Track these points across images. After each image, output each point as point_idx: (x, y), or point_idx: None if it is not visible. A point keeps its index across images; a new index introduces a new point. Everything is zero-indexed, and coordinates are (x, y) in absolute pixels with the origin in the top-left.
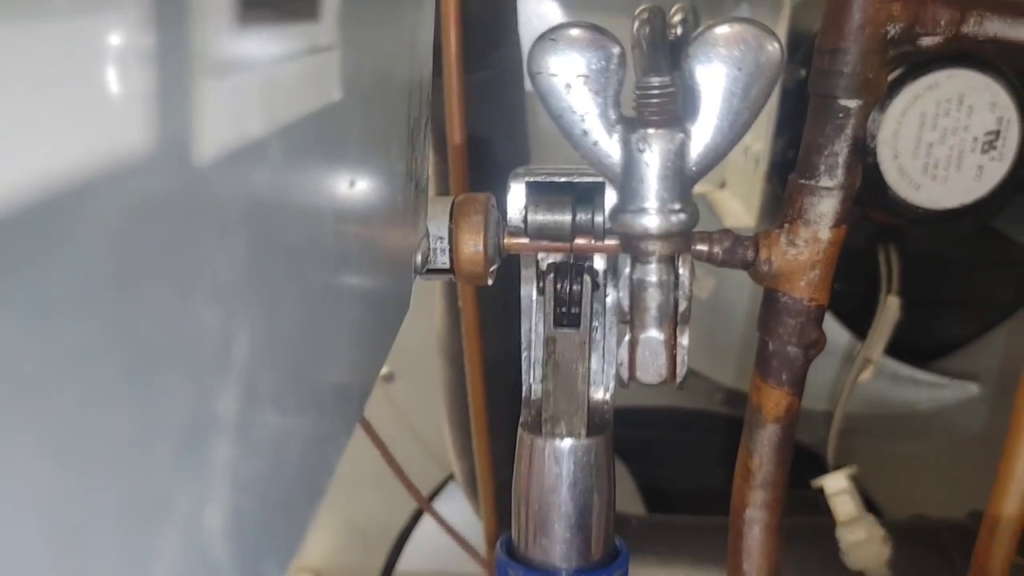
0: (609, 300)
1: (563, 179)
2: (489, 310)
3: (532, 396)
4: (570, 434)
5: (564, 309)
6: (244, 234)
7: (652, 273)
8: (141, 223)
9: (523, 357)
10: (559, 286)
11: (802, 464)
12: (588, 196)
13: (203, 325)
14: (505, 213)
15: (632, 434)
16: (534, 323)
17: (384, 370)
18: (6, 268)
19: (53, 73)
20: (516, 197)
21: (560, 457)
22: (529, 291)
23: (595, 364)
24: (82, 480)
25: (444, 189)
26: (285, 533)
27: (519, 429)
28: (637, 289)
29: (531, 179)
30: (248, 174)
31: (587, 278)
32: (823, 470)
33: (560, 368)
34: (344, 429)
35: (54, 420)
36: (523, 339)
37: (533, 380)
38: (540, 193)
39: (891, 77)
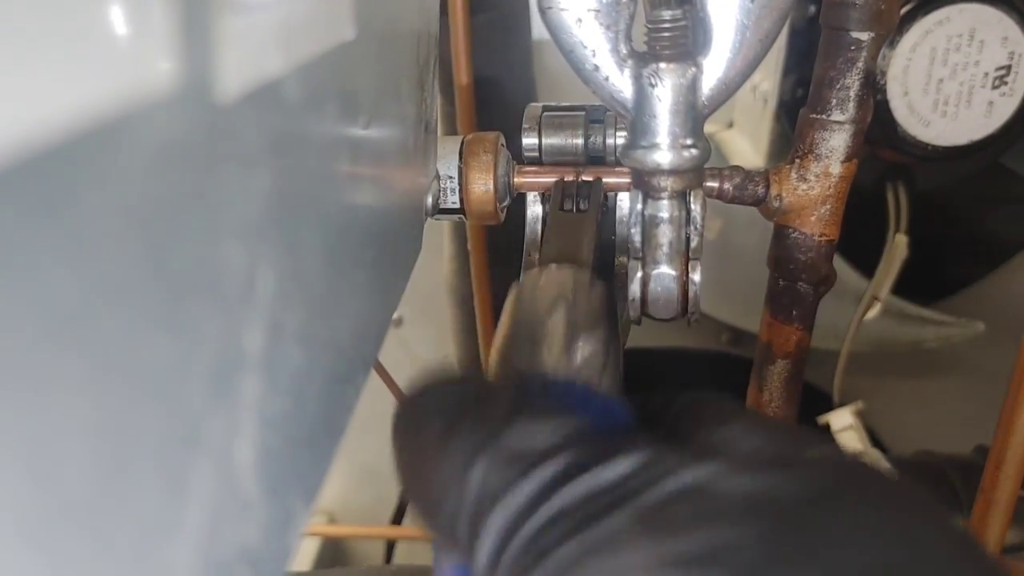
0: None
1: (575, 106)
2: (498, 252)
3: None
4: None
5: (572, 207)
6: (266, 171)
7: (664, 209)
8: (169, 158)
9: (524, 261)
10: (566, 204)
11: (809, 402)
12: (599, 119)
13: (230, 259)
14: (515, 150)
15: (638, 375)
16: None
17: (394, 314)
18: (47, 204)
19: (77, 12)
20: (531, 119)
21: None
22: (535, 211)
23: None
24: (123, 408)
25: (451, 132)
26: (309, 469)
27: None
28: (649, 225)
29: (545, 105)
30: (268, 111)
31: (598, 187)
32: (830, 408)
33: (564, 246)
34: (362, 368)
35: (97, 350)
36: (525, 249)
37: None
38: (554, 115)
39: (902, 12)
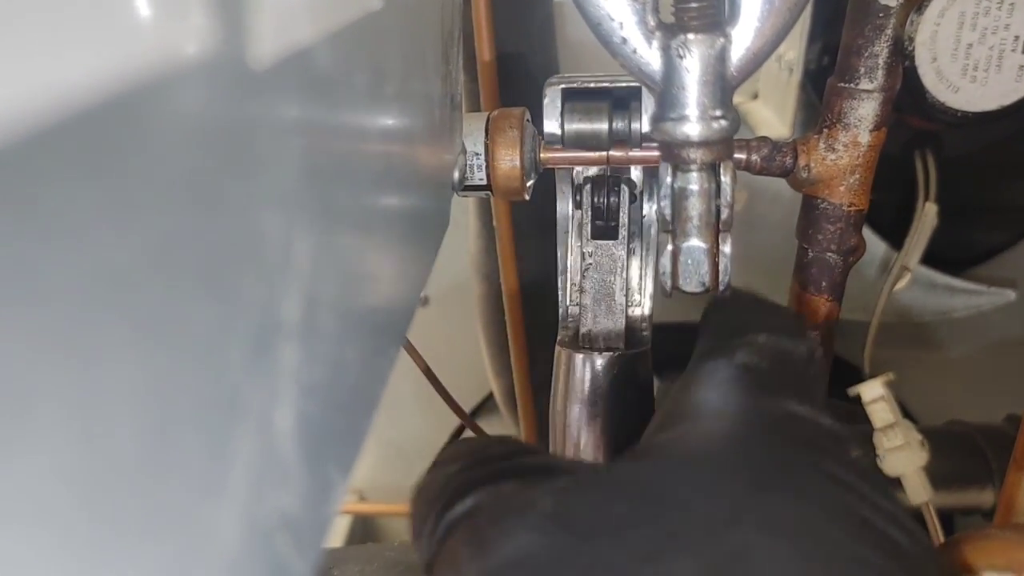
0: (647, 214)
1: (599, 85)
2: (524, 227)
3: (569, 315)
4: (608, 348)
5: (601, 222)
6: (299, 140)
7: (694, 181)
8: (206, 121)
9: (559, 281)
10: (596, 199)
11: (839, 374)
12: (624, 103)
13: (269, 226)
14: (540, 126)
15: (666, 350)
16: (571, 239)
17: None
18: (91, 166)
19: None
20: (552, 105)
21: (598, 371)
22: (565, 208)
23: (634, 280)
24: (168, 371)
25: (474, 109)
26: (345, 439)
27: (556, 347)
28: (679, 198)
29: (566, 86)
30: (300, 80)
31: (624, 189)
32: (860, 380)
33: (597, 281)
34: (394, 341)
35: (142, 313)
36: (559, 263)
37: (570, 302)
38: (576, 100)
39: None
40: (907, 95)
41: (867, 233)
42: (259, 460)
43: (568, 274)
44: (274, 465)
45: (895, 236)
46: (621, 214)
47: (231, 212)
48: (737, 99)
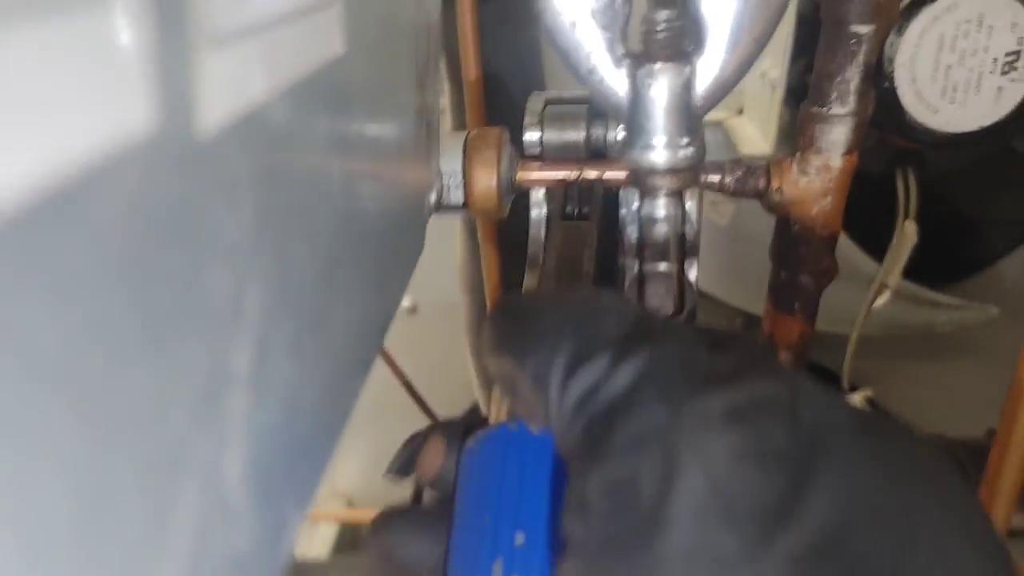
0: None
1: (579, 98)
2: (509, 241)
3: None
4: None
5: (574, 210)
6: (252, 194)
7: (660, 208)
8: (149, 197)
9: (526, 275)
10: (568, 203)
11: (825, 384)
12: (602, 112)
13: (215, 286)
14: (521, 147)
15: None
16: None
17: (407, 302)
18: (28, 251)
19: (53, 57)
20: (532, 112)
21: None
22: (539, 212)
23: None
24: (105, 440)
25: (461, 121)
26: (303, 476)
27: None
28: (646, 223)
29: (548, 98)
30: (254, 136)
31: (598, 190)
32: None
33: (567, 259)
34: (360, 370)
35: (79, 386)
36: (528, 261)
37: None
38: (555, 112)
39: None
40: (888, 115)
41: (851, 247)
42: (204, 510)
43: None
44: (221, 512)
45: (880, 251)
46: (593, 199)
47: (174, 277)
48: (722, 114)
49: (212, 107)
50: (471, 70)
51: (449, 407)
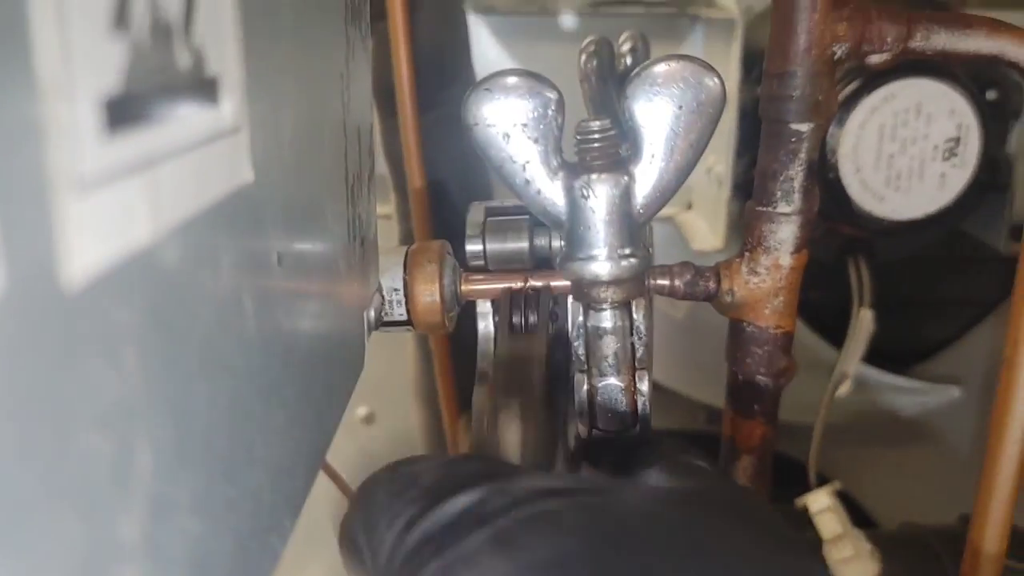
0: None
1: (520, 205)
2: (461, 349)
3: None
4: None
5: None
6: (138, 344)
7: (607, 320)
8: (4, 364)
9: (474, 421)
10: (514, 317)
11: (788, 477)
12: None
13: (92, 452)
14: (465, 257)
15: (614, 460)
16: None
17: (363, 411)
18: None
19: None
20: (474, 223)
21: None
22: (487, 327)
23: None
24: None
25: (408, 229)
26: None
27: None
28: (592, 336)
29: (488, 206)
30: (137, 281)
31: (545, 300)
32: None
33: (513, 372)
34: (289, 511)
35: None
36: (476, 391)
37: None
38: (498, 219)
39: (847, 91)
40: (835, 205)
41: (810, 336)
42: None
43: (482, 417)
44: None
45: (838, 337)
46: (540, 314)
47: (42, 448)
48: (671, 210)
49: (81, 256)
50: (416, 179)
51: None
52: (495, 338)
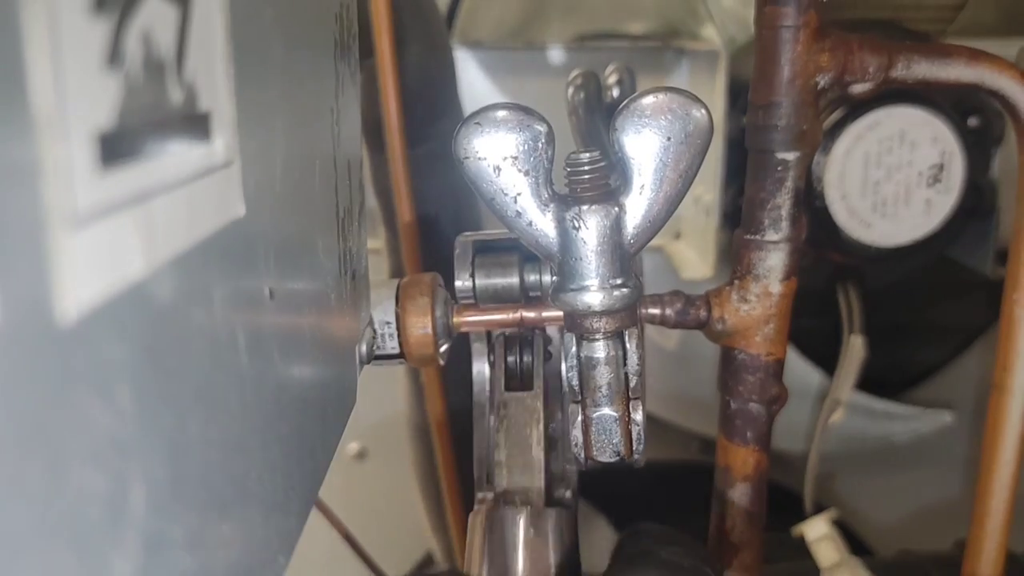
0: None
1: (509, 238)
2: (454, 382)
3: (486, 483)
4: (526, 503)
5: (517, 379)
6: (131, 379)
7: (599, 350)
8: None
9: (476, 454)
10: (509, 356)
11: (782, 506)
12: (535, 255)
13: (85, 489)
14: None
15: (611, 489)
16: (487, 402)
17: (355, 448)
18: None
19: None
20: (463, 259)
21: (515, 528)
22: (481, 367)
23: (556, 435)
24: None
25: (398, 264)
26: None
27: (470, 515)
28: (585, 367)
29: (477, 239)
30: (130, 315)
31: (539, 342)
32: (803, 507)
33: (514, 435)
34: (282, 549)
35: None
36: (476, 435)
37: (489, 474)
38: (487, 255)
39: (831, 119)
40: (823, 232)
41: (801, 364)
42: None
43: (483, 446)
44: None
45: (830, 364)
46: (536, 368)
47: (33, 487)
48: (660, 241)
49: (74, 291)
50: (405, 213)
51: (402, 553)
52: (491, 380)
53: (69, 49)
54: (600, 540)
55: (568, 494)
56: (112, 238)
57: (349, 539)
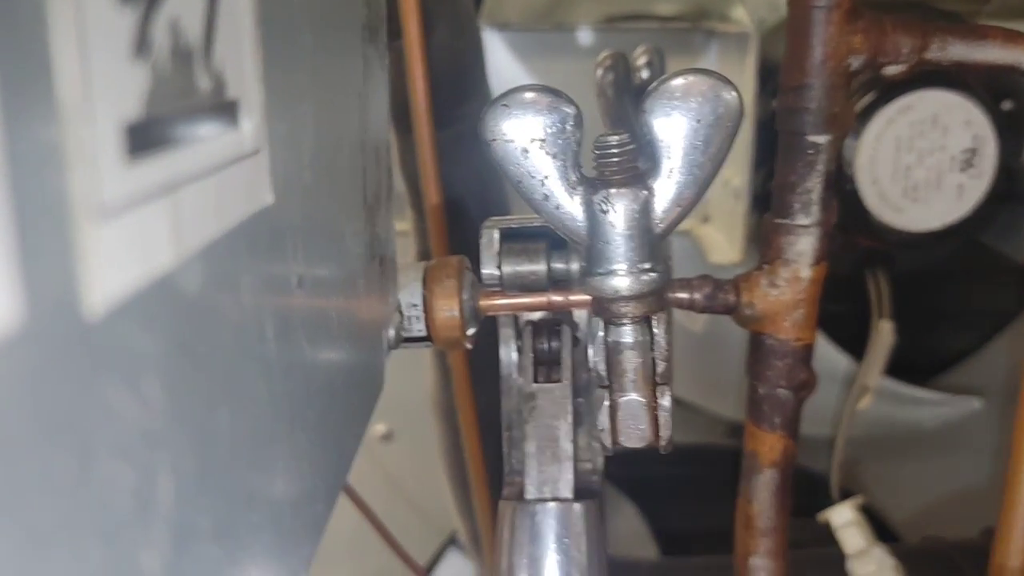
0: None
1: (536, 225)
2: (480, 364)
3: (514, 470)
4: (555, 497)
5: (544, 366)
6: (160, 370)
7: (627, 335)
8: (21, 396)
9: (504, 437)
10: (537, 343)
11: (809, 491)
12: (562, 242)
13: (114, 482)
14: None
15: (638, 473)
16: (514, 385)
17: (382, 429)
18: None
19: None
20: (489, 247)
21: (544, 523)
22: (508, 354)
23: (584, 424)
24: None
25: (425, 246)
26: None
27: (500, 502)
28: (612, 352)
29: (503, 227)
30: (159, 306)
31: (566, 331)
32: (829, 492)
33: (542, 427)
34: (310, 536)
35: None
36: (504, 418)
37: (515, 459)
38: (513, 242)
39: (863, 103)
40: (852, 217)
41: (829, 349)
42: None
43: (512, 430)
44: None
45: (858, 349)
46: (564, 357)
47: (62, 480)
48: (688, 224)
49: (102, 284)
50: (432, 196)
51: (426, 534)
52: (519, 368)
53: (96, 40)
54: (625, 523)
55: (595, 478)
56: (140, 230)
57: (374, 520)
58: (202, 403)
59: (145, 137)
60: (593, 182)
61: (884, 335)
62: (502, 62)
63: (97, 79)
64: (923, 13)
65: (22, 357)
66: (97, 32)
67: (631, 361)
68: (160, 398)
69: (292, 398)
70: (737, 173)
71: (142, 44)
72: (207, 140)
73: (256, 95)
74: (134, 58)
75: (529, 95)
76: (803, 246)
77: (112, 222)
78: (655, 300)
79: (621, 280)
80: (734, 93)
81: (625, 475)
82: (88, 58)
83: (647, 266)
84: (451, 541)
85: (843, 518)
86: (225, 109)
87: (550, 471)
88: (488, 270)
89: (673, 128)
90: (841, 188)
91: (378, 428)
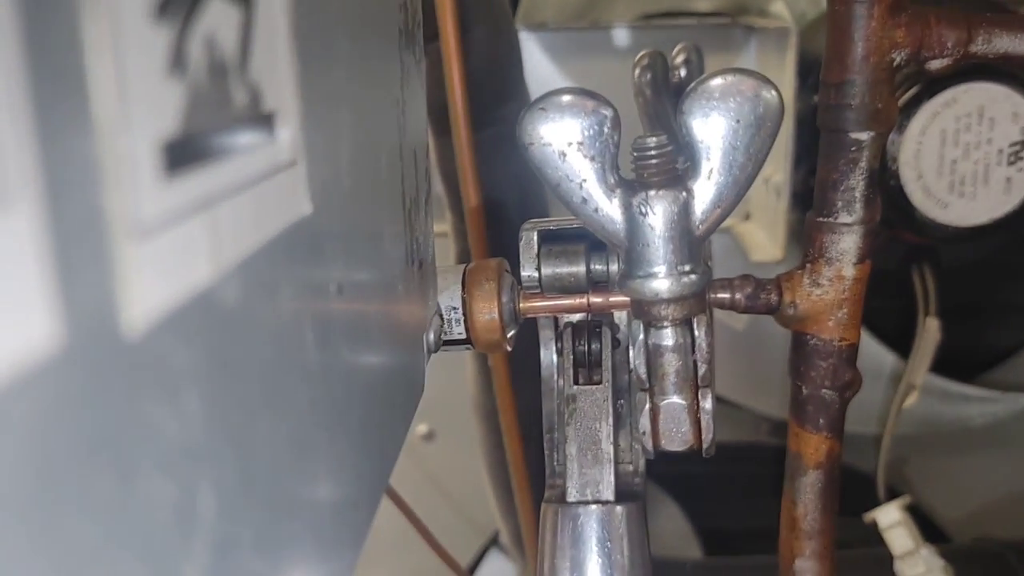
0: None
1: (575, 227)
2: (521, 365)
3: (556, 473)
4: (596, 500)
5: (585, 368)
6: (199, 385)
7: (668, 338)
8: (62, 416)
9: (545, 439)
10: (577, 344)
11: (855, 490)
12: (602, 244)
13: (155, 498)
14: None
15: (682, 471)
16: (555, 387)
17: (424, 429)
18: None
19: None
20: (528, 249)
21: (586, 526)
22: (548, 356)
23: (626, 425)
24: None
25: (465, 248)
26: None
27: (542, 504)
28: (654, 355)
29: (542, 229)
30: (198, 322)
31: (607, 333)
32: (875, 492)
33: (582, 429)
34: (352, 543)
35: None
36: (545, 420)
37: (557, 461)
38: (553, 243)
39: (906, 96)
40: (897, 213)
41: (874, 344)
42: None
43: (555, 431)
44: None
45: (904, 346)
46: (604, 359)
47: (104, 498)
48: (729, 221)
49: (142, 302)
50: (471, 198)
51: (468, 535)
52: (558, 370)
53: (132, 58)
54: (668, 522)
55: (637, 480)
56: (178, 246)
57: (415, 520)
58: (243, 415)
59: (182, 154)
60: (632, 184)
61: (931, 332)
62: (538, 64)
63: (133, 97)
64: (968, 4)
65: (63, 377)
66: (133, 50)
67: (672, 364)
68: (200, 412)
69: (333, 405)
70: (778, 170)
71: (178, 60)
72: (244, 153)
73: (293, 106)
74: (170, 75)
75: (566, 98)
76: (846, 244)
77: (150, 240)
78: (696, 302)
79: (661, 283)
80: (774, 92)
81: (668, 473)
82: (124, 76)
83: (687, 268)
84: (493, 542)
85: (890, 519)
86: (262, 121)
87: (591, 473)
88: (527, 272)
89: (712, 129)
90: (885, 184)
91: (420, 428)
